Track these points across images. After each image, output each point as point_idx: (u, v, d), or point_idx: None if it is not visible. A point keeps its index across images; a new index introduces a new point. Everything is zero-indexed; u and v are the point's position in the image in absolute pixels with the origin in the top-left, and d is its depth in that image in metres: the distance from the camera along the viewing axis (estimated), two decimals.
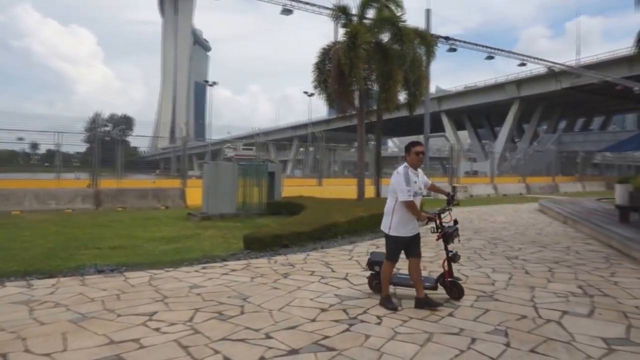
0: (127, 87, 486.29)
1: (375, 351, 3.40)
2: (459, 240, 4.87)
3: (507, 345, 3.54)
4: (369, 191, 15.15)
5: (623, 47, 43.35)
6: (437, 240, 4.73)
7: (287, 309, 4.37)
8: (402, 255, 4.58)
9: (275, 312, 4.28)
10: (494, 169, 28.62)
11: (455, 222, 4.77)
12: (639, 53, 11.41)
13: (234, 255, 6.88)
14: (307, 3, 27.63)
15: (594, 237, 9.37)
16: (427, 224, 4.60)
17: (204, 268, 6.07)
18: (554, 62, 40.79)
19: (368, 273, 5.91)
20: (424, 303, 4.39)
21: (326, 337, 3.66)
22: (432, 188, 4.93)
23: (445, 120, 57.90)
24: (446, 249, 4.71)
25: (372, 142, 22.80)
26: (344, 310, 4.35)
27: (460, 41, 31.90)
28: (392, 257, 4.51)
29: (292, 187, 17.01)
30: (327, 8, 20.85)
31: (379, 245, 8.06)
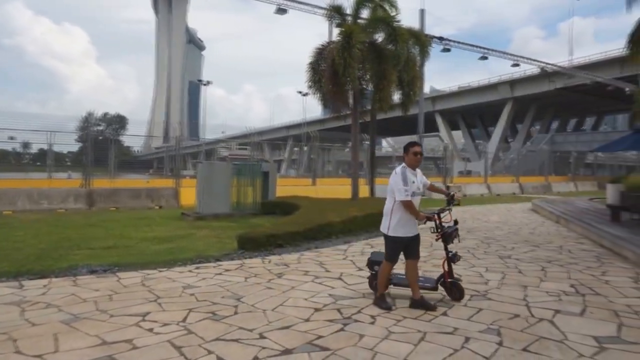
0: (121, 86, 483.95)
1: (369, 351, 3.40)
2: (459, 241, 4.84)
3: (500, 344, 3.56)
4: (363, 191, 15.16)
5: (615, 48, 43.79)
6: (437, 240, 4.71)
7: (281, 309, 4.36)
8: (401, 256, 4.56)
9: (269, 312, 4.27)
10: (488, 168, 28.77)
11: (456, 222, 4.74)
12: (631, 54, 11.50)
13: (227, 255, 6.86)
14: (301, 2, 27.61)
15: (586, 236, 9.44)
16: (425, 223, 4.58)
17: (197, 268, 6.05)
18: (547, 63, 41.10)
19: (362, 273, 5.93)
20: (419, 304, 4.40)
21: (320, 336, 3.66)
22: (432, 188, 4.93)
23: (439, 120, 58.13)
24: (446, 249, 4.69)
25: (366, 142, 22.83)
26: (338, 310, 4.35)
27: (454, 41, 32.04)
28: (392, 257, 4.49)
29: (286, 187, 16.98)
30: (322, 8, 20.88)
31: (374, 245, 8.08)
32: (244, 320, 4.02)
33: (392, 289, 4.90)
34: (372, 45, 13.53)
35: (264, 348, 3.41)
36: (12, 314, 4.10)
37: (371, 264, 4.92)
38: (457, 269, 6.16)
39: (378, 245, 8.12)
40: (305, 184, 21.05)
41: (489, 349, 3.46)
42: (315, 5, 27.04)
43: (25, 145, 25.49)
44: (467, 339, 3.65)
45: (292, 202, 11.79)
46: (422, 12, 22.01)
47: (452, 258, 4.65)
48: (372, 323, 4.02)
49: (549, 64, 41.05)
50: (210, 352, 3.33)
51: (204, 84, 56.00)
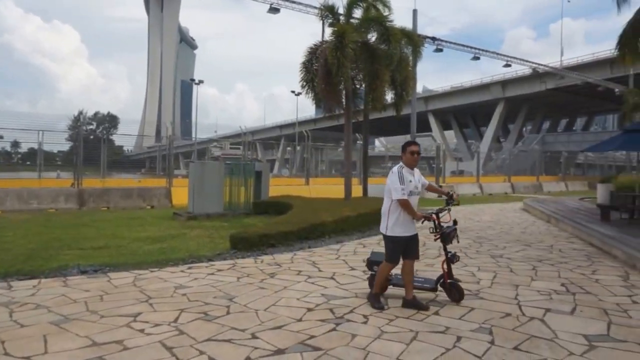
0: (112, 85, 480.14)
1: (361, 350, 3.40)
2: (458, 241, 4.80)
3: (492, 342, 3.58)
4: (356, 190, 15.18)
5: (605, 49, 44.30)
6: (435, 240, 4.67)
7: (274, 309, 4.35)
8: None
9: (261, 312, 4.26)
10: (480, 168, 28.94)
11: (455, 222, 4.70)
12: (620, 55, 11.62)
13: (220, 255, 6.83)
14: (294, 2, 27.53)
15: (576, 235, 9.53)
16: (423, 223, 4.57)
17: (189, 268, 6.02)
18: (538, 64, 41.40)
19: (355, 272, 5.94)
20: (411, 304, 4.41)
21: (312, 336, 3.65)
22: (430, 188, 4.92)
23: (432, 120, 58.35)
24: (445, 249, 4.64)
25: (359, 142, 22.87)
26: (331, 310, 4.35)
27: (446, 42, 32.15)
28: (392, 258, 4.44)
29: (279, 187, 16.97)
30: (314, 7, 20.88)
31: (366, 245, 8.10)
32: (236, 321, 4.00)
33: (387, 289, 4.88)
34: (365, 45, 13.55)
35: (256, 348, 3.40)
36: (1, 315, 4.05)
37: (370, 264, 4.88)
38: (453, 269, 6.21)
39: (371, 245, 8.14)
40: (299, 184, 21.05)
41: (480, 347, 3.48)
42: (308, 4, 27.02)
43: (15, 144, 25.25)
44: (459, 338, 3.66)
45: (285, 202, 11.77)
46: (414, 12, 22.09)
47: (451, 259, 4.60)
48: (365, 323, 4.02)
49: (541, 64, 41.39)
50: (202, 353, 3.31)
51: (196, 83, 55.57)
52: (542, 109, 54.24)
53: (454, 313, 4.29)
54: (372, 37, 13.96)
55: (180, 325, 3.87)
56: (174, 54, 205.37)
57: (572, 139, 49.32)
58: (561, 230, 10.56)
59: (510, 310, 4.42)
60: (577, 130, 62.44)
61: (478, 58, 35.26)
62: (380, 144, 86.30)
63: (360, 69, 13.89)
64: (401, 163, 4.49)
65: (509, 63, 38.00)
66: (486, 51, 35.98)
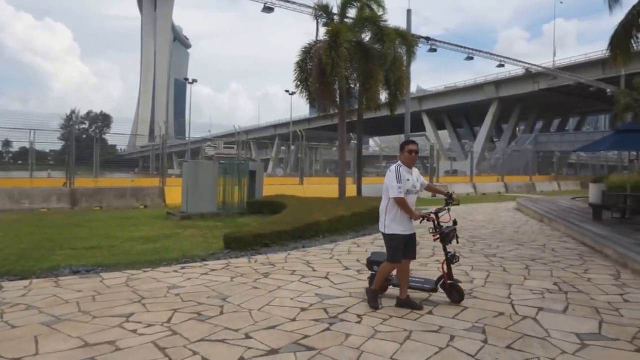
0: (105, 84, 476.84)
1: (355, 350, 3.40)
2: (457, 242, 4.75)
3: (485, 342, 3.60)
4: (351, 190, 15.19)
5: (597, 50, 44.54)
6: (435, 240, 4.61)
7: (267, 309, 4.34)
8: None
9: (255, 312, 4.25)
10: (474, 168, 29.06)
11: (455, 222, 4.66)
12: (612, 56, 11.71)
13: (214, 255, 6.81)
14: (288, 1, 27.51)
15: (569, 235, 9.60)
16: (421, 223, 4.55)
17: (183, 268, 5.99)
18: (531, 64, 41.66)
19: (349, 272, 5.95)
20: (405, 304, 4.41)
21: (306, 336, 3.65)
22: (429, 188, 4.90)
23: (426, 120, 58.54)
24: (445, 250, 4.59)
25: (354, 142, 22.89)
26: (325, 310, 4.35)
27: (440, 42, 32.26)
28: (394, 258, 4.37)
29: (273, 187, 16.94)
30: (309, 7, 20.87)
31: (360, 244, 8.11)
32: (229, 321, 3.99)
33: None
34: (359, 45, 13.56)
35: (249, 348, 3.39)
36: None
37: (370, 264, 4.84)
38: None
39: (365, 244, 8.15)
40: (293, 183, 21.04)
41: (474, 347, 3.49)
42: (302, 4, 27.00)
43: (6, 143, 25.02)
44: (452, 338, 3.67)
45: (279, 202, 11.75)
46: (409, 12, 22.11)
47: (451, 259, 4.56)
48: (359, 322, 4.02)
49: (534, 65, 41.64)
50: (195, 353, 3.29)
51: (190, 83, 55.30)
52: (535, 109, 54.59)
53: (448, 312, 4.30)
54: (367, 37, 13.98)
55: (173, 325, 3.85)
56: (168, 52, 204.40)
57: (565, 139, 49.68)
58: (554, 229, 10.63)
59: (504, 309, 4.44)
60: (569, 131, 62.91)
61: (472, 58, 35.43)
62: (374, 144, 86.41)
63: (354, 68, 13.90)
64: (399, 162, 4.48)
65: (502, 63, 38.23)
66: (480, 51, 36.17)
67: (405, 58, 14.96)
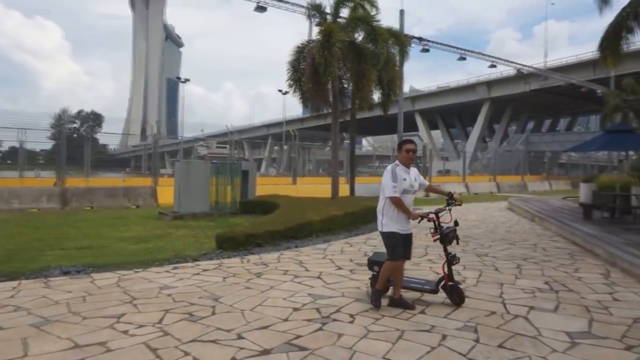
0: (96, 83, 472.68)
1: (347, 350, 3.40)
2: (458, 242, 4.70)
3: (477, 341, 3.61)
4: (344, 190, 15.20)
5: (587, 51, 45.00)
6: (434, 241, 4.58)
7: (260, 309, 4.33)
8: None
9: (247, 312, 4.23)
10: (466, 168, 29.19)
11: (456, 223, 4.59)
12: (602, 57, 11.83)
13: (206, 255, 6.77)
14: (281, 0, 27.47)
15: (559, 234, 9.68)
16: (419, 222, 4.54)
17: (175, 268, 5.95)
18: (522, 65, 41.95)
19: (341, 272, 5.95)
20: (398, 303, 4.41)
21: (298, 336, 3.64)
22: (430, 189, 4.88)
23: (418, 120, 58.74)
24: (445, 251, 4.54)
25: (347, 141, 22.91)
26: (317, 310, 4.34)
27: (433, 42, 32.41)
28: (394, 255, 4.33)
29: (266, 186, 16.89)
30: (301, 6, 20.85)
31: (353, 244, 8.11)
32: (221, 321, 3.97)
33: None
34: (352, 45, 13.59)
35: (241, 349, 3.37)
36: None
37: (371, 264, 4.81)
38: (437, 267, 6.25)
39: (357, 244, 8.16)
40: (286, 183, 21.00)
41: (465, 346, 3.50)
42: (295, 3, 26.97)
43: None
44: (444, 337, 3.68)
45: (272, 201, 11.73)
46: (401, 12, 22.16)
47: (451, 260, 4.51)
48: (351, 322, 4.02)
49: (525, 65, 41.95)
50: (187, 354, 3.27)
51: (182, 82, 55.12)
52: (527, 109, 54.99)
53: (440, 312, 4.32)
54: (359, 36, 14.02)
55: (165, 326, 3.82)
56: (160, 51, 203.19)
57: (556, 139, 50.10)
58: (545, 229, 10.72)
59: (495, 308, 4.46)
60: (560, 131, 63.40)
61: (464, 58, 35.62)
62: (367, 144, 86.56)
63: (347, 68, 13.93)
64: (397, 161, 4.46)
65: (494, 64, 38.49)
66: (472, 52, 36.39)
67: (397, 58, 15.02)
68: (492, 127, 59.56)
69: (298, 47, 13.91)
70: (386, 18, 15.17)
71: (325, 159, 39.65)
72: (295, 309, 4.33)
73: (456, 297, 4.50)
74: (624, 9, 11.05)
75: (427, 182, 4.73)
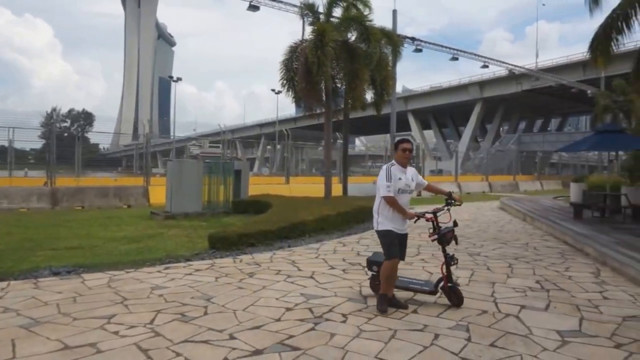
0: (87, 81, 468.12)
1: (340, 349, 3.40)
2: (456, 243, 4.69)
3: (469, 340, 3.63)
4: (337, 189, 15.21)
5: (578, 51, 45.38)
6: (432, 241, 4.55)
7: (252, 309, 4.31)
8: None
9: (239, 312, 4.21)
10: (458, 167, 29.36)
11: (455, 223, 4.56)
12: (592, 58, 11.94)
13: (198, 255, 6.74)
14: (274, 0, 27.41)
15: (550, 233, 9.76)
16: (415, 222, 4.52)
17: (166, 268, 5.91)
18: (514, 65, 42.28)
19: (334, 271, 5.95)
20: (390, 303, 4.40)
21: (291, 336, 3.63)
22: (430, 188, 4.83)
23: (411, 120, 58.94)
24: (444, 251, 4.50)
25: (340, 141, 22.92)
26: (310, 309, 4.33)
27: (426, 42, 32.55)
28: (390, 253, 4.28)
29: (259, 186, 16.85)
30: (294, 5, 20.82)
31: (346, 243, 8.12)
32: (213, 321, 3.95)
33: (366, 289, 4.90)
34: (345, 44, 13.60)
35: (234, 349, 3.36)
36: None
37: (370, 264, 4.77)
38: (429, 266, 6.28)
39: (350, 243, 8.16)
40: (279, 183, 20.96)
41: (457, 345, 3.52)
42: (288, 2, 26.94)
43: None
44: (436, 336, 3.69)
45: (265, 201, 11.70)
46: (394, 12, 22.22)
47: (449, 261, 4.48)
48: (344, 322, 4.02)
49: (517, 66, 42.27)
50: (178, 355, 3.25)
51: (175, 81, 54.70)
52: (519, 110, 55.42)
53: (432, 311, 4.33)
54: (352, 36, 14.03)
55: (156, 326, 3.80)
56: (152, 50, 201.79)
57: (547, 139, 50.55)
58: (536, 228, 10.80)
59: (487, 307, 4.48)
60: (551, 131, 63.99)
61: (457, 59, 35.82)
62: (360, 143, 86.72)
63: (340, 68, 13.94)
64: (393, 161, 4.45)
65: (486, 64, 38.73)
66: (464, 52, 36.60)
67: (390, 58, 15.05)
68: (484, 127, 59.96)
69: (291, 47, 13.89)
70: (379, 18, 15.19)
71: (318, 158, 39.67)
72: (288, 309, 4.32)
73: (455, 298, 4.47)
74: (614, 11, 11.18)
75: (425, 182, 4.70)
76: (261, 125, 75.23)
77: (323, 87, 13.44)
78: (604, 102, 26.23)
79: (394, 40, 14.98)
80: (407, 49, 27.22)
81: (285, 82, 13.90)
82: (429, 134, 64.75)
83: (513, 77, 44.91)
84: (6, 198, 12.78)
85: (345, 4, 13.98)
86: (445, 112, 59.10)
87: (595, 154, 36.99)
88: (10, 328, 3.70)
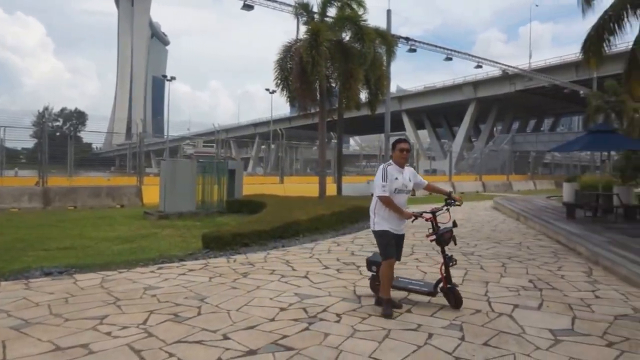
0: (80, 80, 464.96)
1: (334, 349, 3.39)
2: (455, 243, 4.68)
3: (462, 339, 3.64)
4: (331, 189, 15.21)
5: (571, 52, 45.63)
6: (431, 242, 4.53)
7: (246, 309, 4.29)
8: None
9: (233, 312, 4.20)
10: (452, 167, 29.46)
11: (454, 223, 4.55)
12: (585, 59, 12.03)
13: (192, 255, 6.70)
14: None
15: (543, 233, 9.82)
16: (413, 222, 4.51)
17: (160, 269, 5.88)
18: (508, 65, 42.50)
19: (328, 271, 5.95)
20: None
21: (285, 336, 3.62)
22: (429, 188, 4.82)
23: (405, 120, 59.11)
24: (443, 252, 4.47)
25: (334, 141, 22.92)
26: (304, 309, 4.33)
27: (420, 42, 32.63)
28: (387, 253, 4.26)
29: (253, 185, 16.83)
30: (289, 5, 20.79)
31: (340, 243, 8.11)
32: (207, 321, 3.93)
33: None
34: (340, 44, 13.59)
35: (227, 349, 3.34)
36: None
37: (369, 264, 4.75)
38: (423, 266, 6.29)
39: (344, 243, 8.16)
40: (273, 182, 20.94)
41: (451, 344, 3.52)
42: (283, 2, 26.88)
43: None
44: (430, 335, 3.70)
45: (259, 201, 11.67)
46: (388, 12, 22.23)
47: (447, 262, 4.45)
48: (338, 321, 4.02)
49: (510, 66, 42.51)
50: (171, 355, 3.23)
51: (168, 80, 54.43)
52: (512, 110, 55.73)
53: (426, 311, 4.34)
54: (347, 36, 14.03)
55: (149, 327, 3.77)
56: (145, 49, 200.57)
57: (540, 139, 50.86)
58: (529, 228, 10.86)
59: (480, 306, 4.50)
60: (544, 131, 64.40)
61: (451, 59, 35.94)
62: (354, 143, 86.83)
63: (334, 67, 13.93)
64: (390, 161, 4.44)
65: (480, 64, 38.89)
66: (458, 52, 36.73)
67: (385, 58, 15.07)
68: (478, 127, 60.24)
69: (285, 46, 13.86)
70: (373, 18, 15.24)
71: (313, 158, 39.69)
72: (282, 309, 4.31)
73: (453, 299, 4.44)
74: (606, 12, 11.26)
75: (425, 181, 4.68)
76: (255, 125, 75.07)
77: (317, 87, 13.44)
78: (596, 102, 26.43)
79: (388, 40, 15.00)
80: (401, 49, 27.26)
81: (279, 81, 13.88)
82: (423, 133, 64.94)
83: (506, 77, 45.16)
84: None
85: (339, 4, 13.99)
86: (439, 112, 59.29)
87: (587, 154, 37.31)
88: (1, 329, 3.65)
